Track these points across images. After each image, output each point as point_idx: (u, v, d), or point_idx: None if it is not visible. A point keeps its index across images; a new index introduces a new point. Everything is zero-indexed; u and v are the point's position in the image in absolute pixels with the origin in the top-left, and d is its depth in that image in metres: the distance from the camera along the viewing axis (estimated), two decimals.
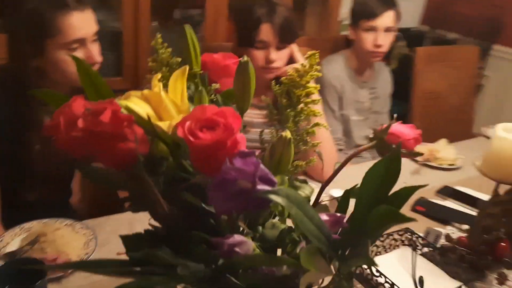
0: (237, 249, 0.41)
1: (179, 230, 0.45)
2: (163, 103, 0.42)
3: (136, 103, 0.44)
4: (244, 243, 0.42)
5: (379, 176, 0.40)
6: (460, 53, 2.20)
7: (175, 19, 2.34)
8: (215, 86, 0.53)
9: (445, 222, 1.20)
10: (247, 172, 0.35)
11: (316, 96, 0.57)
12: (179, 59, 0.52)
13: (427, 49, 2.01)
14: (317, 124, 0.56)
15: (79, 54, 1.04)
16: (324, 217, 0.42)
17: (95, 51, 1.06)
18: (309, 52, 0.54)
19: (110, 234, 1.05)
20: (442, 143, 1.63)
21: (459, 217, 1.21)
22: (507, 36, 2.84)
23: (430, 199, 1.28)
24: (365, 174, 0.42)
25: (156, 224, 0.50)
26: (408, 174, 1.51)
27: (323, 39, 2.18)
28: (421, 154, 0.61)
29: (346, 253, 0.38)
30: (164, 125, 0.41)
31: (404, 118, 2.02)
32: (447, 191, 1.35)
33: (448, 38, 3.03)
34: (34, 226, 0.97)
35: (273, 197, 0.34)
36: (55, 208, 1.19)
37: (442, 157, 1.57)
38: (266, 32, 1.31)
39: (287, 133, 0.43)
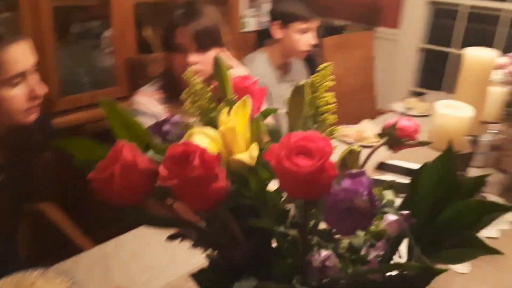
0: (328, 264, 0.43)
1: (259, 258, 0.45)
2: (235, 137, 0.42)
3: (203, 140, 0.43)
4: (330, 256, 0.44)
5: (437, 173, 0.45)
6: (359, 39, 2.41)
7: (73, 34, 2.18)
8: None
9: None
10: (359, 192, 0.38)
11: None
12: (210, 88, 0.52)
13: (332, 38, 2.16)
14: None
15: (21, 89, 0.93)
16: (393, 217, 0.45)
17: (37, 83, 0.96)
18: (323, 65, 0.57)
19: (87, 274, 0.98)
20: (365, 123, 1.79)
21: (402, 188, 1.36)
22: (385, 18, 3.17)
23: (372, 177, 1.41)
24: (421, 174, 0.47)
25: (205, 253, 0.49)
26: None
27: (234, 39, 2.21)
28: (430, 143, 0.67)
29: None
30: (244, 158, 0.41)
31: None
32: (384, 167, 1.50)
33: (336, 25, 3.28)
34: (5, 286, 0.86)
35: (390, 211, 0.37)
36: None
37: (369, 136, 1.72)
38: (182, 35, 1.29)
39: (358, 147, 0.46)
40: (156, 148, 0.47)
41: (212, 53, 1.34)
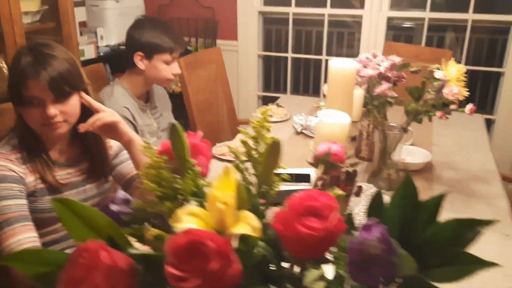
0: None
1: None
2: (230, 211, 0.38)
3: (191, 222, 0.38)
4: None
5: (401, 201, 0.49)
6: (209, 55, 2.45)
7: None
8: (198, 169, 0.49)
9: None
10: (375, 242, 0.37)
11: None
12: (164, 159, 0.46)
13: (185, 58, 2.15)
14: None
15: None
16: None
17: None
18: (261, 108, 0.56)
19: None
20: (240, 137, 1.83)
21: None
22: (223, 31, 3.29)
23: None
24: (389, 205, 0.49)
25: None
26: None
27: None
28: (359, 163, 0.71)
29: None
30: (246, 230, 0.37)
31: (186, 127, 2.14)
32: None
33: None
34: None
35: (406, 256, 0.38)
36: None
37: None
38: (34, 87, 1.11)
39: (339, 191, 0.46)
40: (124, 240, 0.41)
41: (73, 100, 1.17)
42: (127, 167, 1.33)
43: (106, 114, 1.20)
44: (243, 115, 3.22)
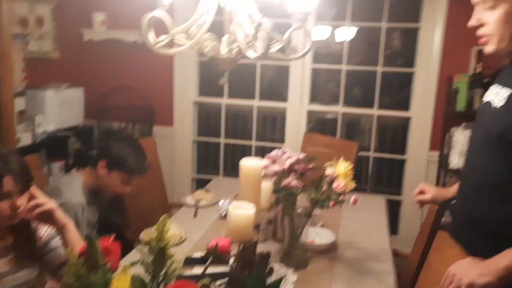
0: None
1: None
2: None
3: None
4: None
5: (257, 281, 0.69)
6: (145, 143, 2.64)
7: None
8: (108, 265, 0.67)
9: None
10: None
11: None
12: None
13: None
14: None
15: None
16: None
17: None
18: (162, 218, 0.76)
19: None
20: (173, 227, 1.98)
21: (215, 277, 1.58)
22: (160, 117, 3.54)
23: (183, 274, 1.60)
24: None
25: None
26: None
27: None
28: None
29: None
30: None
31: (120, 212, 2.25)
32: (191, 261, 1.70)
33: (115, 128, 3.47)
34: None
35: None
36: None
37: (169, 237, 1.91)
38: (7, 183, 1.28)
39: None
40: None
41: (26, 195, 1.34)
42: (54, 255, 1.44)
43: (43, 201, 1.35)
44: (178, 198, 3.35)
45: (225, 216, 2.17)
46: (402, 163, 3.38)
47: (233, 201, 2.23)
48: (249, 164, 1.46)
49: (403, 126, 3.43)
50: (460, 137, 2.79)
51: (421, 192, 1.75)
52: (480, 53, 2.84)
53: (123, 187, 1.95)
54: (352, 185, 1.61)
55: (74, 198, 1.84)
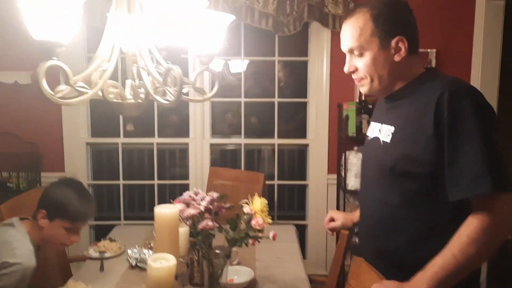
0: None
1: None
2: None
3: None
4: None
5: None
6: (32, 196, 2.38)
7: None
8: None
9: None
10: None
11: None
12: None
13: (8, 203, 2.07)
14: None
15: None
16: None
17: None
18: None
19: None
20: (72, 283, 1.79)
21: None
22: (49, 163, 3.24)
23: None
24: None
25: None
26: None
27: None
28: None
29: None
30: None
31: None
32: None
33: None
34: None
35: None
36: None
37: None
38: None
39: None
40: None
41: None
42: None
43: None
44: (76, 250, 3.04)
45: (136, 266, 2.05)
46: (304, 188, 3.52)
47: (144, 249, 2.11)
48: (164, 211, 1.39)
49: (302, 152, 3.60)
50: (354, 160, 3.01)
51: (331, 220, 1.82)
52: None
53: (70, 237, 1.74)
54: (269, 220, 1.62)
55: (27, 260, 1.63)
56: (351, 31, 1.38)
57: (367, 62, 1.37)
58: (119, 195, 3.47)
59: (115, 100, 1.25)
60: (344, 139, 3.10)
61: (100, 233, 3.48)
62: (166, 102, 1.18)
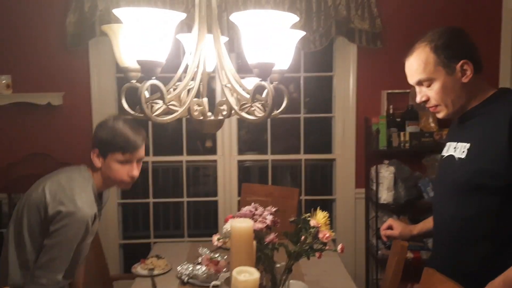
0: None
1: None
2: None
3: None
4: None
5: None
6: None
7: None
8: None
9: None
10: None
11: None
12: None
13: None
14: None
15: None
16: None
17: None
18: None
19: None
20: None
21: None
22: None
23: None
24: None
25: None
26: None
27: None
28: None
29: None
30: None
31: None
32: None
33: None
34: None
35: None
36: None
37: None
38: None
39: None
40: None
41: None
42: None
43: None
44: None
45: (188, 282, 2.05)
46: (329, 202, 3.54)
47: (197, 265, 2.12)
48: (240, 225, 1.42)
49: (326, 167, 3.62)
50: (386, 173, 3.04)
51: (389, 228, 1.86)
52: (389, 95, 3.18)
53: (127, 171, 1.76)
54: (332, 233, 1.64)
55: (88, 207, 1.68)
56: (416, 66, 1.48)
57: (437, 90, 1.46)
58: (144, 213, 3.47)
59: (198, 118, 1.28)
60: (371, 153, 3.14)
61: (128, 252, 3.48)
62: (254, 118, 1.21)
